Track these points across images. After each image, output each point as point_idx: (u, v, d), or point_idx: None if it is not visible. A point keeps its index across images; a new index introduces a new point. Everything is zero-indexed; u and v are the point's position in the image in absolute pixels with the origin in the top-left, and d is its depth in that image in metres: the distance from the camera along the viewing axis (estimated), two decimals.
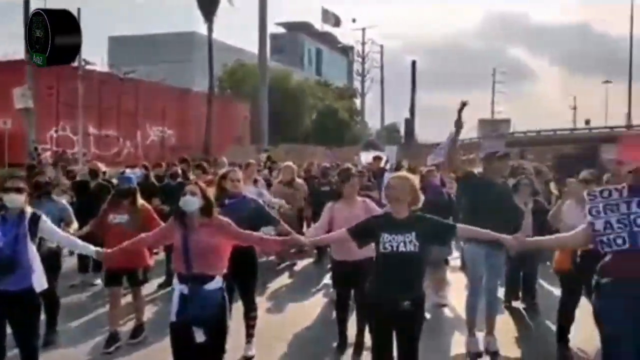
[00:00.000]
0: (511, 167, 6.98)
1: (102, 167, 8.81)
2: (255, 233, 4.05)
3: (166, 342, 3.81)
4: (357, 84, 55.42)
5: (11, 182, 4.03)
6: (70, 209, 5.63)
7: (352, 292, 5.03)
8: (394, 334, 3.65)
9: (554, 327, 6.01)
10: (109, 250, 4.07)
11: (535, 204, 7.07)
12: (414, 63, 37.21)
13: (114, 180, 7.55)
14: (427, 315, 6.41)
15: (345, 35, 71.57)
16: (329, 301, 6.65)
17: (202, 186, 3.75)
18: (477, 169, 5.68)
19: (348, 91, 51.21)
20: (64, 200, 6.24)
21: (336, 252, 5.03)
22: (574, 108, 56.91)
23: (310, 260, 9.18)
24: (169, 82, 26.63)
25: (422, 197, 3.74)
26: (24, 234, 3.95)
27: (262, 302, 6.73)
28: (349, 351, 5.03)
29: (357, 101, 51.87)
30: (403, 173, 4.08)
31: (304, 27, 67.74)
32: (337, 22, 62.00)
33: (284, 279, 8.27)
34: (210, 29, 26.64)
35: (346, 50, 68.85)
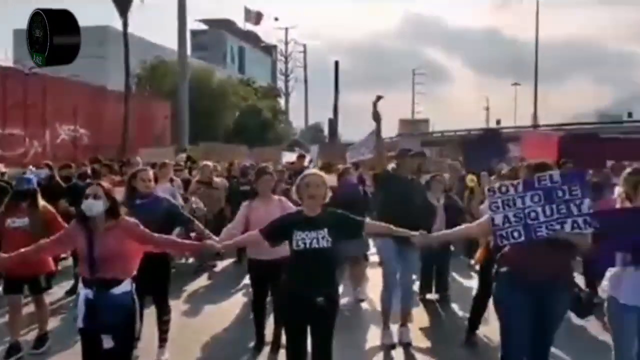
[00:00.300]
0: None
1: (1, 167, 8.25)
2: (166, 237, 3.93)
3: (73, 351, 3.64)
4: (281, 83, 55.56)
5: None
6: None
7: (270, 291, 5.01)
8: (308, 330, 3.67)
9: (465, 317, 6.31)
10: (4, 255, 3.80)
11: (448, 200, 7.42)
12: (336, 63, 37.66)
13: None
14: (346, 312, 6.57)
15: (267, 34, 71.63)
16: (249, 301, 6.58)
17: (105, 187, 3.59)
18: (391, 166, 5.84)
19: (272, 91, 51.08)
20: None
21: (252, 251, 4.99)
22: (487, 109, 59.98)
23: (231, 260, 9.07)
24: (82, 79, 25.38)
25: (329, 194, 3.79)
26: None
27: (179, 305, 6.61)
28: (266, 350, 5.02)
29: (282, 101, 51.97)
30: (315, 170, 4.11)
31: (226, 25, 66.79)
32: (259, 21, 61.68)
33: (203, 281, 8.11)
34: (125, 24, 25.63)
35: (269, 49, 68.70)
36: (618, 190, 3.81)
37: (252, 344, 5.16)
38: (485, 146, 10.97)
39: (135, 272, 3.59)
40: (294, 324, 3.70)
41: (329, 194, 3.81)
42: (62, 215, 5.41)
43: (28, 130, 20.15)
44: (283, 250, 3.82)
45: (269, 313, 5.16)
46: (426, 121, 55.99)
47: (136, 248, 3.58)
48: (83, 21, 4.33)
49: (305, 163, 12.47)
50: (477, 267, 5.89)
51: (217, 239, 4.20)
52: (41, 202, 5.13)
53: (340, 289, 7.19)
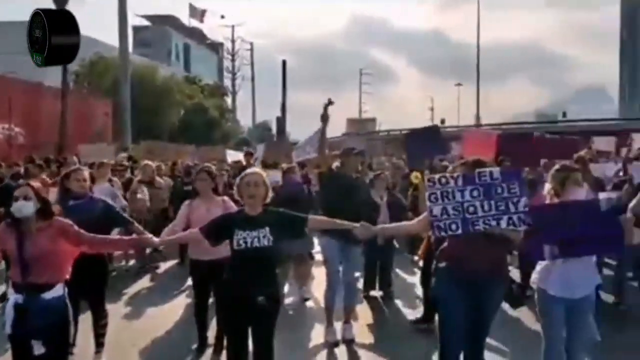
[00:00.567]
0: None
1: None
2: (102, 236, 3.82)
3: (3, 359, 3.49)
4: (228, 81, 54.93)
5: None
6: None
7: (212, 291, 4.95)
8: (250, 330, 3.65)
9: (408, 312, 6.45)
10: None
11: (391, 197, 7.55)
12: (284, 62, 37.54)
13: None
14: (290, 311, 6.58)
15: (213, 31, 70.45)
16: (192, 303, 6.47)
17: (35, 187, 3.46)
18: (335, 164, 5.89)
19: (219, 89, 50.42)
20: None
21: (193, 251, 4.92)
22: (432, 109, 61.35)
23: (174, 261, 8.89)
24: (18, 76, 24.25)
25: (271, 192, 3.78)
26: None
27: (118, 308, 6.45)
28: (209, 352, 4.95)
29: (229, 99, 51.34)
30: (255, 169, 4.09)
31: (170, 21, 65.38)
32: (203, 18, 60.74)
33: (144, 283, 7.92)
34: None
35: (216, 47, 67.76)
36: (547, 186, 3.97)
37: (194, 346, 5.09)
38: (427, 144, 11.20)
39: (68, 276, 3.48)
40: (235, 324, 3.68)
41: (271, 193, 3.81)
42: None
43: None
44: (225, 250, 3.78)
45: (213, 314, 5.09)
46: (373, 120, 56.77)
47: (69, 249, 3.48)
48: (21, 16, 4.25)
49: (252, 162, 12.39)
50: (421, 263, 6.03)
51: (157, 238, 4.12)
52: None
53: (286, 288, 7.26)
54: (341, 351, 5.23)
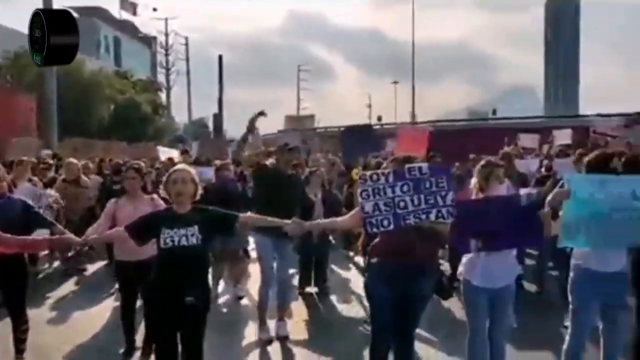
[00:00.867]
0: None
1: None
2: (18, 237, 3.62)
3: None
4: (161, 76, 53.37)
5: None
6: None
7: (139, 293, 4.79)
8: (179, 332, 3.56)
9: (343, 308, 6.51)
10: None
11: (327, 194, 7.58)
12: (220, 57, 37.02)
13: None
14: (224, 309, 6.49)
15: (145, 24, 68.38)
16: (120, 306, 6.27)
17: None
18: (270, 161, 5.86)
19: (152, 84, 48.96)
20: None
21: (118, 252, 4.75)
22: (369, 106, 62.17)
23: (103, 263, 8.57)
24: None
25: (200, 190, 3.71)
26: None
27: (43, 313, 6.18)
28: (137, 355, 4.80)
29: (163, 95, 49.91)
30: (183, 166, 3.98)
31: (99, 13, 62.86)
32: (136, 11, 58.75)
33: (70, 286, 7.59)
34: None
35: (148, 41, 65.73)
36: (473, 181, 4.10)
37: (121, 350, 4.92)
38: (361, 141, 11.37)
39: None
40: (164, 326, 3.57)
41: (200, 190, 3.72)
42: None
43: None
44: (152, 250, 3.67)
45: (141, 317, 4.93)
46: (312, 117, 56.80)
47: None
48: None
49: (189, 160, 12.12)
50: (359, 257, 6.08)
51: (78, 238, 3.94)
52: None
53: (221, 286, 7.15)
54: (275, 348, 5.21)
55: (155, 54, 61.71)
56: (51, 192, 7.00)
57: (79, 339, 5.42)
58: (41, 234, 4.61)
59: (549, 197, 3.59)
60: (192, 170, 3.79)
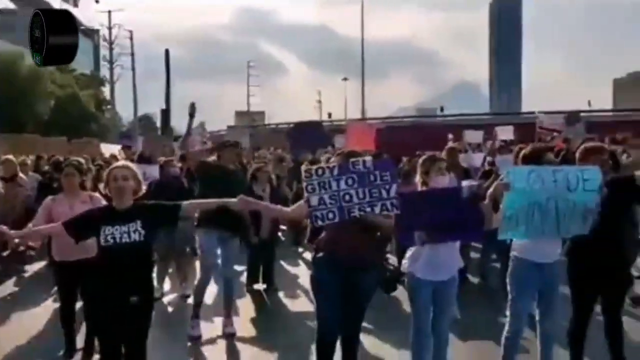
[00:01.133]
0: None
1: None
2: None
3: None
4: (105, 71, 51.66)
5: None
6: None
7: (79, 294, 4.64)
8: (122, 331, 3.47)
9: (291, 304, 6.51)
10: None
11: (275, 190, 7.56)
12: (167, 52, 36.02)
13: None
14: (169, 307, 6.38)
15: (88, 17, 65.87)
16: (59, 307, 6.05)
17: None
18: (212, 158, 5.81)
19: (95, 79, 47.40)
20: None
21: (57, 252, 4.58)
22: (320, 102, 62.42)
23: (43, 263, 8.25)
24: None
25: (144, 186, 3.62)
26: None
27: None
28: (78, 357, 4.65)
29: (106, 90, 48.36)
30: (123, 162, 3.89)
31: (38, 5, 60.21)
32: (77, 2, 56.63)
33: (8, 287, 7.30)
34: None
35: (91, 34, 63.52)
36: (418, 176, 4.18)
37: (61, 352, 4.75)
38: (309, 137, 11.41)
39: None
40: (106, 326, 3.48)
41: (144, 187, 3.64)
42: None
43: None
44: (91, 249, 3.56)
45: (81, 317, 4.78)
46: (262, 113, 56.50)
47: None
48: None
49: (132, 156, 11.82)
50: (308, 253, 6.08)
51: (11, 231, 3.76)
52: None
53: (167, 284, 7.00)
54: (221, 346, 5.16)
55: (98, 48, 59.71)
56: None
57: (18, 341, 5.24)
58: None
59: (490, 190, 3.71)
60: (134, 166, 3.71)
